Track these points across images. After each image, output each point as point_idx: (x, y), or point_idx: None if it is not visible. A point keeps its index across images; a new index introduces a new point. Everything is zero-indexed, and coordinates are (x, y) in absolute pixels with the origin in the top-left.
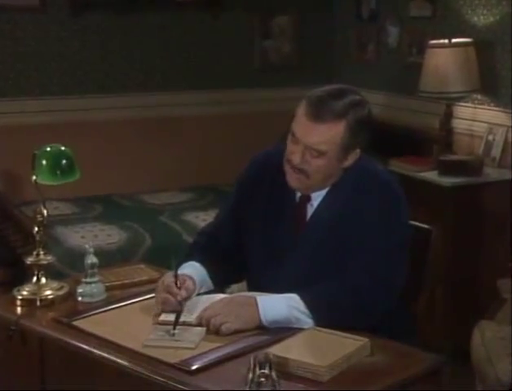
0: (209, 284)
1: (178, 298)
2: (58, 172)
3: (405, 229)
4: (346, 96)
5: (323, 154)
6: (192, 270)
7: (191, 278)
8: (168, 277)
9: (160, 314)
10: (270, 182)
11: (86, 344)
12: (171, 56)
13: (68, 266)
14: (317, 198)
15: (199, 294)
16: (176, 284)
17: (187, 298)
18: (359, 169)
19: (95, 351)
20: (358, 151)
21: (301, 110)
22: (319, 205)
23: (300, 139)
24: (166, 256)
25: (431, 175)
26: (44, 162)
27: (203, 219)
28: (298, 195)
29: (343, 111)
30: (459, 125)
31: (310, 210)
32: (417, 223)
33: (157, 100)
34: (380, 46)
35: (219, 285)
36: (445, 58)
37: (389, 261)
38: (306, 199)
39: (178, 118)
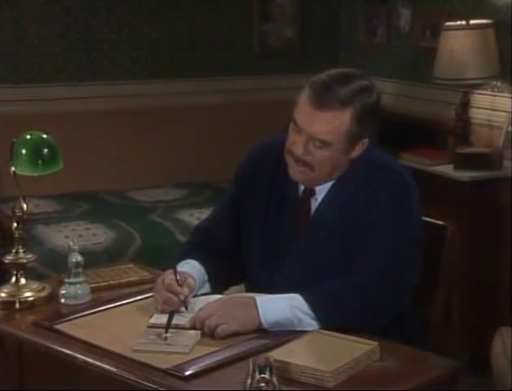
0: (207, 286)
1: (181, 297)
2: (39, 162)
3: (417, 224)
4: (353, 81)
5: (328, 145)
6: (191, 268)
7: (191, 276)
8: (168, 275)
9: (151, 316)
10: (271, 173)
11: (69, 349)
12: (162, 41)
13: (50, 268)
14: (322, 192)
15: (195, 296)
16: (177, 282)
17: (190, 296)
18: (368, 160)
19: (79, 356)
20: (366, 140)
21: (303, 97)
22: (323, 199)
23: (303, 129)
24: (157, 257)
25: (446, 169)
26: (24, 151)
27: (197, 218)
28: (302, 188)
29: (349, 97)
30: (477, 114)
31: (314, 205)
32: (430, 219)
33: (148, 89)
34: (391, 29)
35: (216, 287)
36: (462, 41)
37: (399, 258)
38: (310, 192)
39: (171, 108)
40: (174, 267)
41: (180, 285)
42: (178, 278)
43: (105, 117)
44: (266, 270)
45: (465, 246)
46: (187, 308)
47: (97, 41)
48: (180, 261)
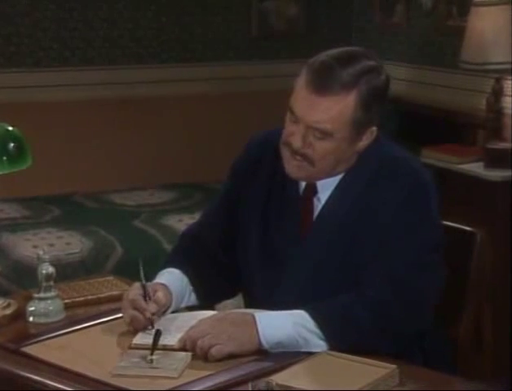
0: (193, 298)
1: (147, 314)
2: (4, 158)
3: (436, 228)
4: (357, 61)
5: (329, 135)
6: (170, 278)
7: (165, 287)
8: (134, 289)
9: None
10: (270, 169)
11: (39, 375)
12: (146, 21)
13: (16, 283)
14: (326, 190)
15: (175, 311)
16: (144, 297)
17: (159, 313)
18: (379, 155)
19: (50, 383)
20: (374, 129)
21: (301, 81)
22: (328, 199)
23: (300, 117)
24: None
25: (476, 168)
26: None
27: (187, 224)
28: (303, 185)
29: (353, 79)
30: (511, 104)
31: (317, 205)
32: (456, 225)
33: (131, 76)
34: (410, 5)
35: (206, 300)
36: (494, 19)
37: (418, 267)
38: (312, 191)
39: (158, 98)
40: (141, 278)
41: (146, 301)
42: (146, 292)
43: (80, 108)
44: (264, 280)
45: (499, 255)
46: (153, 327)
47: (70, 20)
48: (163, 268)
